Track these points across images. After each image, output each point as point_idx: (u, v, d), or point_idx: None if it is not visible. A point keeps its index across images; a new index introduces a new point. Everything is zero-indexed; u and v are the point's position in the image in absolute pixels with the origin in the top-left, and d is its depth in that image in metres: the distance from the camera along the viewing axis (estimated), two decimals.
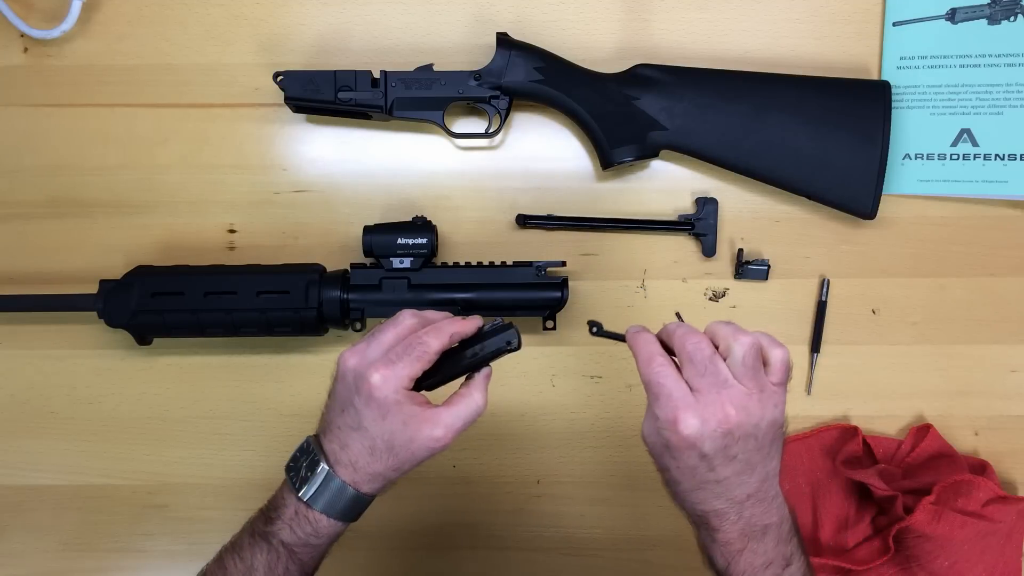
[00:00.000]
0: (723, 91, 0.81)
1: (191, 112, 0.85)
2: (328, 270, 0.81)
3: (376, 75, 0.80)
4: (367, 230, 0.80)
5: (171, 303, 0.79)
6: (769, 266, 0.84)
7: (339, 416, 0.61)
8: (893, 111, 0.81)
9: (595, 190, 0.86)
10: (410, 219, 0.81)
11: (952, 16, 0.82)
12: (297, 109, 0.82)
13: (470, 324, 0.63)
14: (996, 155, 0.83)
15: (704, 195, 0.84)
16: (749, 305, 0.86)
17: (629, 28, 0.84)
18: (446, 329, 0.61)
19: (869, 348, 0.86)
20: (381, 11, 0.84)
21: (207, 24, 0.84)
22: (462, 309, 0.79)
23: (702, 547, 0.61)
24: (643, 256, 0.85)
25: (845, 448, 0.84)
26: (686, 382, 0.57)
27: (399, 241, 0.80)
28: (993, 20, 0.82)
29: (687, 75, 0.81)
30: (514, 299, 0.80)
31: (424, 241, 0.80)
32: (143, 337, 0.81)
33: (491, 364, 0.64)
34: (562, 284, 0.80)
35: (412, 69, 0.80)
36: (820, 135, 0.80)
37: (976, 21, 0.82)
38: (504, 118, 0.82)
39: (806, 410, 0.86)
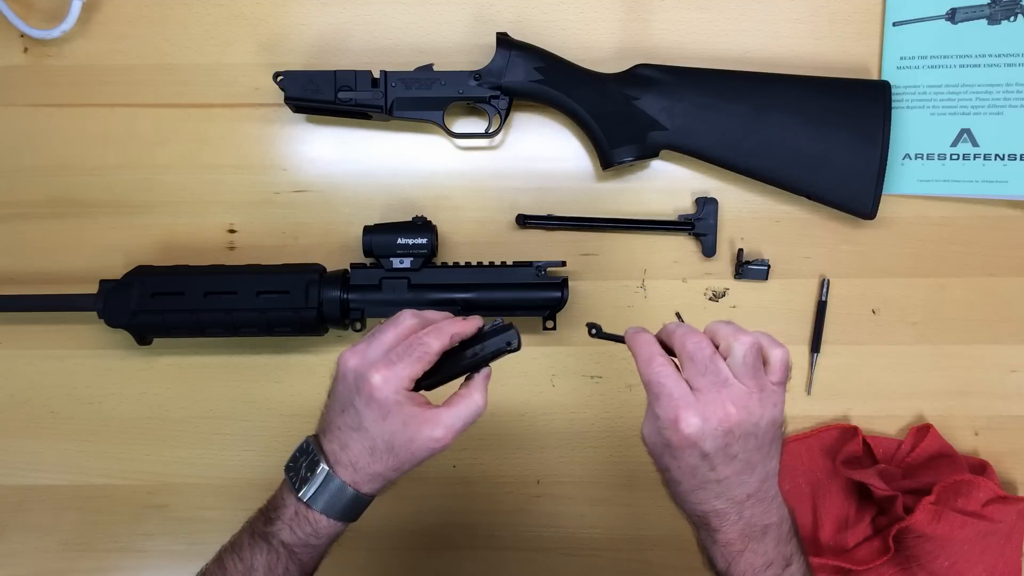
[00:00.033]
0: (723, 91, 0.81)
1: (191, 112, 0.85)
2: (328, 270, 0.81)
3: (376, 75, 0.80)
4: (367, 230, 0.80)
5: (171, 303, 0.79)
6: (769, 266, 0.84)
7: (339, 416, 0.61)
8: (893, 111, 0.81)
9: (595, 190, 0.86)
10: (410, 219, 0.81)
11: (952, 16, 0.82)
12: (297, 109, 0.82)
13: (470, 324, 0.63)
14: (996, 155, 0.83)
15: (704, 195, 0.84)
16: (749, 305, 0.86)
17: (629, 28, 0.84)
18: (446, 329, 0.61)
19: (869, 348, 0.86)
20: (381, 11, 0.84)
21: (207, 24, 0.84)
22: (462, 309, 0.79)
23: (702, 548, 0.61)
24: (643, 256, 0.85)
25: (845, 448, 0.84)
26: (686, 381, 0.57)
27: (399, 241, 0.80)
28: (993, 20, 0.82)
29: (687, 75, 0.81)
30: (514, 299, 0.80)
31: (424, 241, 0.80)
32: (143, 337, 0.81)
33: (491, 364, 0.64)
34: (562, 284, 0.80)
35: (412, 69, 0.80)
36: (820, 135, 0.80)
37: (976, 21, 0.82)
38: (504, 118, 0.82)
39: (806, 410, 0.86)
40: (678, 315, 0.66)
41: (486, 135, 0.83)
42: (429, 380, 0.62)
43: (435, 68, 0.81)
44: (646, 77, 0.81)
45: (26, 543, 0.88)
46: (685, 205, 0.85)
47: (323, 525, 0.61)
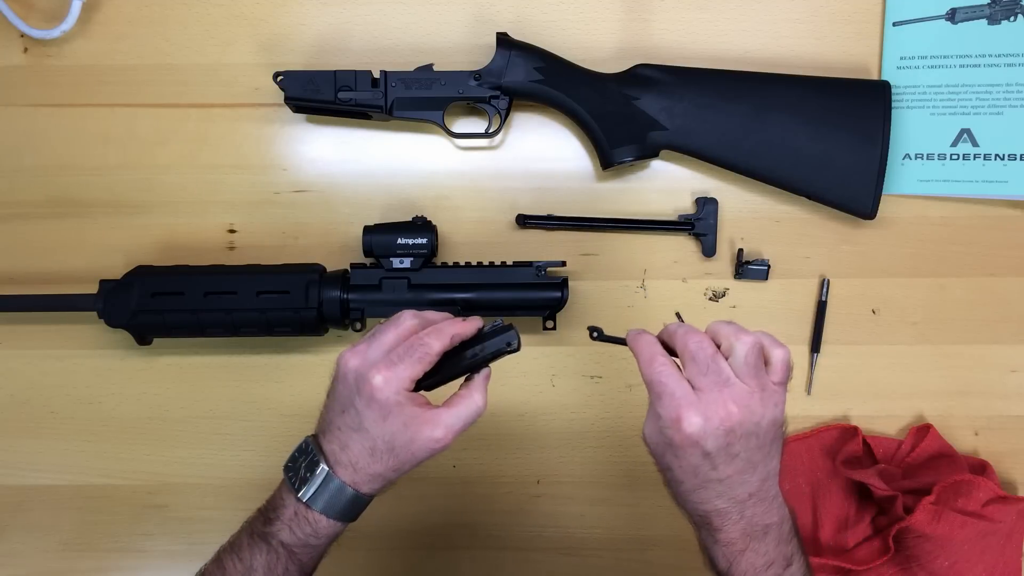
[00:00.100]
0: (723, 91, 0.81)
1: (191, 112, 0.85)
2: (328, 270, 0.81)
3: (376, 75, 0.80)
4: (367, 230, 0.80)
5: (171, 303, 0.79)
6: (769, 266, 0.84)
7: (339, 417, 0.61)
8: (893, 111, 0.81)
9: (595, 190, 0.86)
10: (410, 219, 0.81)
11: (952, 16, 0.82)
12: (297, 109, 0.82)
13: (470, 325, 0.63)
14: (996, 155, 0.83)
15: (704, 195, 0.84)
16: (749, 305, 0.86)
17: (629, 28, 0.84)
18: (447, 330, 0.61)
19: (869, 348, 0.86)
20: (381, 11, 0.84)
21: (207, 24, 0.84)
22: (462, 309, 0.79)
23: (703, 548, 0.61)
24: (643, 256, 0.85)
25: (845, 448, 0.84)
26: (688, 381, 0.57)
27: (399, 241, 0.80)
28: (993, 20, 0.82)
29: (687, 75, 0.81)
30: (514, 299, 0.80)
31: (424, 241, 0.80)
32: (143, 337, 0.81)
33: (491, 365, 0.64)
34: (562, 284, 0.80)
35: (412, 69, 0.80)
36: (820, 135, 0.80)
37: (976, 21, 0.82)
38: (504, 118, 0.82)
39: (806, 410, 0.86)
40: (678, 315, 0.67)
41: (486, 135, 0.83)
42: (429, 380, 0.62)
43: (435, 68, 0.81)
44: (646, 77, 0.81)
45: (26, 543, 0.88)
46: (685, 205, 0.85)
47: (323, 525, 0.61)
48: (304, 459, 0.62)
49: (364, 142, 0.85)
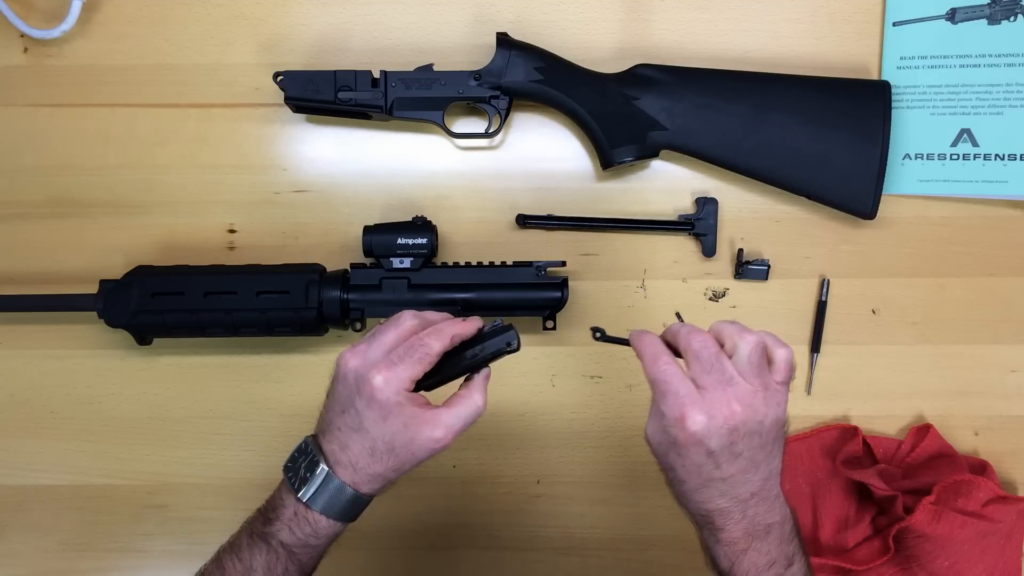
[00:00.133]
0: (723, 91, 0.81)
1: (191, 112, 0.85)
2: (328, 270, 0.81)
3: (376, 75, 0.80)
4: (367, 230, 0.80)
5: (171, 303, 0.79)
6: (769, 266, 0.84)
7: (339, 417, 0.61)
8: (893, 111, 0.81)
9: (595, 190, 0.86)
10: (410, 219, 0.81)
11: (952, 16, 0.82)
12: (297, 109, 0.82)
13: (470, 325, 0.63)
14: (996, 155, 0.83)
15: (704, 195, 0.84)
16: (749, 305, 0.86)
17: (629, 28, 0.84)
18: (447, 331, 0.61)
19: (869, 348, 0.86)
20: (381, 11, 0.84)
21: (207, 24, 0.84)
22: (462, 309, 0.79)
23: (705, 548, 0.61)
24: (643, 256, 0.85)
25: (845, 448, 0.84)
26: (692, 380, 0.58)
27: (399, 241, 0.80)
28: (993, 20, 0.82)
29: (687, 75, 0.81)
30: (514, 299, 0.80)
31: (424, 241, 0.80)
32: (143, 337, 0.81)
33: (490, 365, 0.64)
34: (562, 284, 0.80)
35: (412, 69, 0.80)
36: (820, 135, 0.80)
37: (976, 21, 0.82)
38: (504, 118, 0.82)
39: (806, 410, 0.86)
40: (678, 315, 0.67)
41: (486, 135, 0.83)
42: (429, 381, 0.62)
43: (435, 68, 0.81)
44: (646, 77, 0.81)
45: (26, 543, 0.88)
46: (685, 205, 0.85)
47: (322, 525, 0.61)
48: (304, 459, 0.62)
49: (364, 142, 0.85)
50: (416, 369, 0.60)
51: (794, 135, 0.80)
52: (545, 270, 0.80)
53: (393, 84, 0.80)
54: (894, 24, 0.83)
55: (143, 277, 0.80)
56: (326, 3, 0.84)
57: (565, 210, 0.85)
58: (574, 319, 0.85)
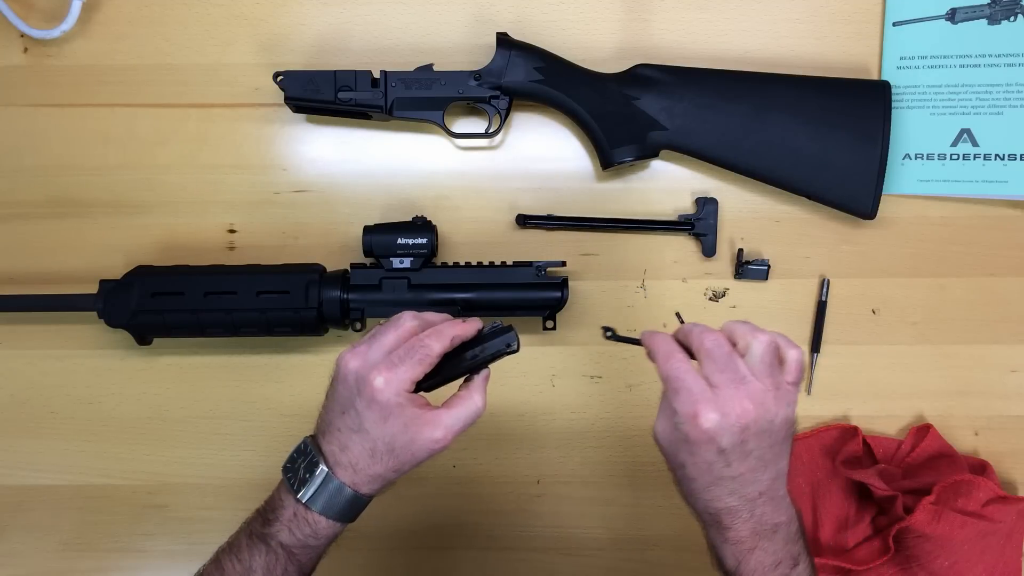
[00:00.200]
0: (723, 91, 0.81)
1: (191, 112, 0.85)
2: (328, 270, 0.81)
3: (376, 75, 0.80)
4: (367, 230, 0.80)
5: (171, 303, 0.79)
6: (769, 266, 0.84)
7: (339, 418, 0.61)
8: (893, 111, 0.81)
9: (595, 190, 0.86)
10: (410, 219, 0.81)
11: (952, 16, 0.82)
12: (297, 109, 0.82)
13: (470, 326, 0.63)
14: (996, 155, 0.83)
15: (704, 195, 0.84)
16: (749, 305, 0.86)
17: (629, 28, 0.84)
18: (447, 332, 0.62)
19: (869, 348, 0.86)
20: (381, 11, 0.84)
21: (207, 24, 0.84)
22: (462, 309, 0.79)
23: (712, 547, 0.61)
24: (643, 256, 0.85)
25: (845, 448, 0.84)
26: (704, 378, 0.58)
27: (399, 241, 0.80)
28: (993, 20, 0.82)
29: (687, 75, 0.81)
30: (514, 299, 0.80)
31: (424, 241, 0.80)
32: (143, 337, 0.81)
33: (490, 366, 0.64)
34: (562, 284, 0.80)
35: (412, 69, 0.80)
36: (820, 135, 0.80)
37: (976, 21, 0.82)
38: (504, 118, 0.82)
39: (806, 410, 0.86)
40: (678, 315, 0.67)
41: (486, 135, 0.83)
42: (429, 382, 0.62)
43: (435, 68, 0.81)
44: (646, 77, 0.81)
45: (26, 543, 0.88)
46: (685, 205, 0.85)
47: (322, 526, 0.61)
48: (303, 460, 0.62)
49: (364, 142, 0.85)
50: (416, 370, 0.60)
51: (794, 135, 0.80)
52: (545, 270, 0.80)
53: (393, 84, 0.80)
54: (894, 24, 0.83)
55: (143, 277, 0.80)
56: (326, 3, 0.84)
57: (565, 210, 0.85)
58: (574, 319, 0.85)
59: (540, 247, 0.85)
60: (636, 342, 0.63)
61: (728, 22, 0.84)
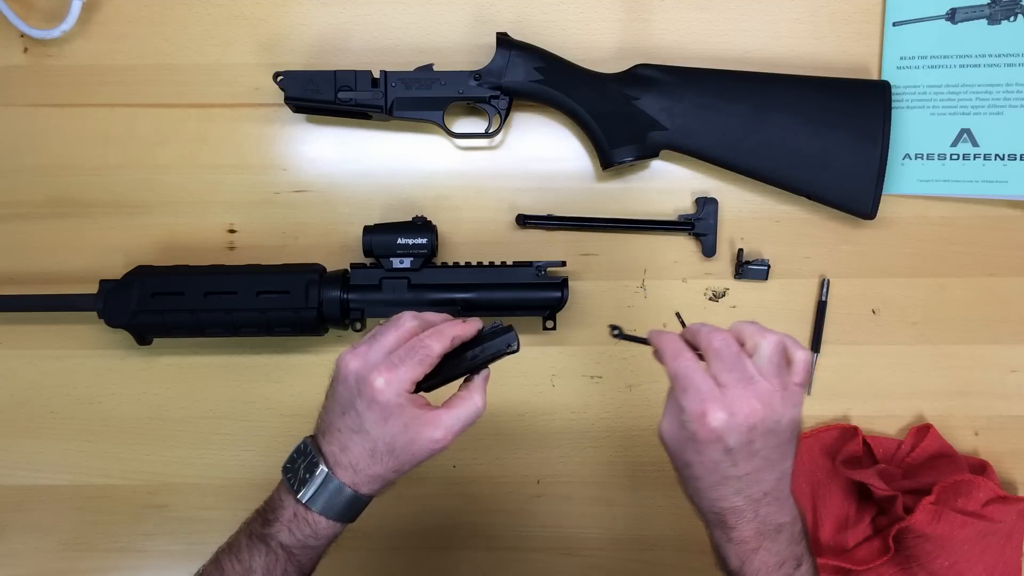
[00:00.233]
0: (723, 91, 0.81)
1: (191, 112, 0.85)
2: (328, 270, 0.81)
3: (376, 75, 0.80)
4: (367, 230, 0.80)
5: (171, 303, 0.79)
6: (769, 266, 0.84)
7: (339, 418, 0.61)
8: (893, 111, 0.81)
9: (595, 190, 0.86)
10: (410, 219, 0.81)
11: (952, 16, 0.82)
12: (297, 109, 0.82)
13: (470, 327, 0.63)
14: (996, 155, 0.83)
15: (704, 195, 0.84)
16: (749, 305, 0.86)
17: (629, 28, 0.84)
18: (447, 332, 0.62)
19: (869, 348, 0.86)
20: (381, 11, 0.84)
21: (207, 24, 0.84)
22: (462, 309, 0.79)
23: (715, 547, 0.61)
24: (643, 256, 0.85)
25: (845, 448, 0.84)
26: (712, 377, 0.58)
27: (399, 241, 0.80)
28: (993, 20, 0.82)
29: (687, 75, 0.81)
30: (514, 299, 0.80)
31: (424, 241, 0.80)
32: (143, 337, 0.81)
33: (490, 366, 0.64)
34: (562, 284, 0.80)
35: (412, 69, 0.80)
36: (820, 135, 0.80)
37: (976, 21, 0.82)
38: (504, 118, 0.82)
39: (806, 410, 0.86)
40: (678, 315, 0.67)
41: (486, 135, 0.83)
42: (429, 382, 0.62)
43: (435, 68, 0.81)
44: (646, 77, 0.81)
45: (26, 543, 0.88)
46: (685, 205, 0.85)
47: (322, 526, 0.61)
48: (303, 460, 0.62)
49: (364, 142, 0.85)
50: (417, 371, 0.60)
51: (794, 135, 0.80)
52: (545, 270, 0.80)
53: (393, 84, 0.80)
54: (894, 24, 0.83)
55: (143, 277, 0.80)
56: (326, 3, 0.84)
57: (565, 210, 0.85)
58: (574, 319, 0.85)
59: (540, 247, 0.85)
60: (643, 341, 0.63)
61: (728, 22, 0.84)
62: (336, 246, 0.85)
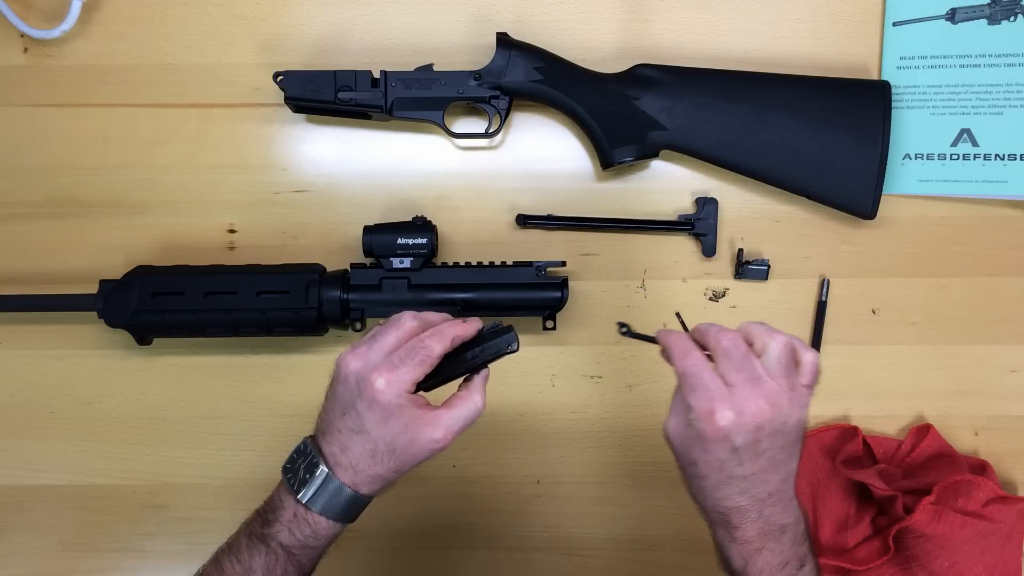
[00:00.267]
0: (723, 91, 0.81)
1: (191, 112, 0.85)
2: (328, 270, 0.81)
3: (376, 75, 0.80)
4: (367, 230, 0.80)
5: (171, 303, 0.79)
6: (769, 266, 0.84)
7: (339, 419, 0.61)
8: (893, 111, 0.81)
9: (595, 190, 0.86)
10: (410, 219, 0.81)
11: (952, 16, 0.82)
12: (297, 109, 0.82)
13: (470, 327, 0.63)
14: (996, 155, 0.83)
15: (704, 195, 0.84)
16: (749, 305, 0.86)
17: (629, 28, 0.84)
18: (447, 332, 0.62)
19: (869, 348, 0.86)
20: (381, 11, 0.84)
21: (207, 24, 0.84)
22: (462, 309, 0.79)
23: (718, 547, 0.61)
24: (643, 256, 0.85)
25: (845, 448, 0.84)
26: (720, 377, 0.58)
27: (399, 241, 0.80)
28: (993, 20, 0.82)
29: (687, 75, 0.81)
30: (514, 299, 0.80)
31: (424, 241, 0.80)
32: (143, 337, 0.81)
33: (489, 366, 0.64)
34: (562, 284, 0.80)
35: (412, 69, 0.80)
36: (820, 135, 0.80)
37: (976, 21, 0.82)
38: (504, 118, 0.82)
39: None
40: (678, 315, 0.67)
41: (486, 135, 0.83)
42: (429, 382, 0.62)
43: (435, 68, 0.81)
44: (646, 77, 0.81)
45: (26, 543, 0.88)
46: (685, 205, 0.85)
47: (322, 527, 0.61)
48: (303, 460, 0.62)
49: (364, 142, 0.85)
50: (417, 371, 0.60)
51: (794, 135, 0.80)
52: (545, 270, 0.80)
53: (393, 84, 0.80)
54: (894, 24, 0.83)
55: (143, 277, 0.80)
56: (326, 3, 0.84)
57: (565, 210, 0.85)
58: (574, 319, 0.85)
59: (540, 247, 0.85)
60: (652, 339, 0.63)
61: (728, 22, 0.84)
62: (336, 246, 0.85)
